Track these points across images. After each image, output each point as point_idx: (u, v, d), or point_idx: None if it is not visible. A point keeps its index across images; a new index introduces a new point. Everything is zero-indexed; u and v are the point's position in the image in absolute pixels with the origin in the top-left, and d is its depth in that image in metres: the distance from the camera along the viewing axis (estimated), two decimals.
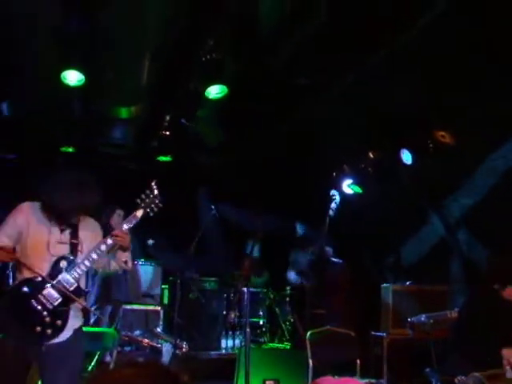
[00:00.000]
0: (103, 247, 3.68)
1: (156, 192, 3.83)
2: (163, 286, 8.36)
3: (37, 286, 3.54)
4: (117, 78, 6.57)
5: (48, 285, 3.55)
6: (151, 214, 3.82)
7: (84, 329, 3.90)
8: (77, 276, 3.62)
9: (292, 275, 7.81)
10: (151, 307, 7.37)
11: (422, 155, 6.67)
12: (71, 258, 3.66)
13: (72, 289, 3.60)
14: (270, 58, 6.02)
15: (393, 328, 6.53)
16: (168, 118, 7.68)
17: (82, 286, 3.73)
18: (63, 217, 3.70)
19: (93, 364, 5.74)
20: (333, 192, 7.02)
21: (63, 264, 3.62)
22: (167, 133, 7.94)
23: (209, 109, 7.30)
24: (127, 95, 7.14)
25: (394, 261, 7.93)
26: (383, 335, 6.52)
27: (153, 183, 3.87)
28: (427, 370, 4.98)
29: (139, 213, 3.78)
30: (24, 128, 7.99)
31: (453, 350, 4.31)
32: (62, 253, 3.66)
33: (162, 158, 8.97)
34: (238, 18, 5.34)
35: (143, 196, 3.80)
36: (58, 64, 5.90)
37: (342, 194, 7.38)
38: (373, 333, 6.74)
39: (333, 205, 6.91)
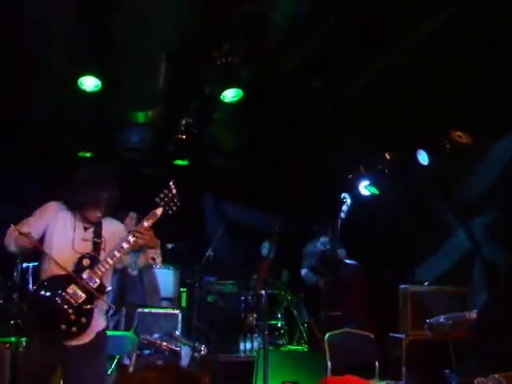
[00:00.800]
0: (125, 245, 3.75)
1: (174, 191, 3.90)
2: (181, 289, 8.39)
3: (61, 284, 3.60)
4: (133, 83, 6.61)
5: (72, 282, 3.61)
6: (170, 212, 3.89)
7: None
8: (100, 274, 3.68)
9: (306, 272, 7.80)
10: (169, 310, 7.38)
11: (438, 156, 6.64)
12: (94, 255, 3.73)
13: (95, 286, 3.66)
14: (282, 62, 6.04)
15: (411, 329, 6.48)
16: (184, 121, 7.71)
17: (106, 283, 3.78)
18: (80, 210, 3.77)
19: (112, 367, 5.77)
20: (344, 195, 6.99)
21: (86, 262, 3.70)
22: (183, 137, 7.97)
23: (224, 112, 7.32)
24: (144, 100, 7.17)
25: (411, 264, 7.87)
26: (402, 337, 6.47)
27: (171, 183, 3.93)
28: (446, 371, 4.93)
29: (159, 211, 3.85)
30: (41, 134, 8.07)
31: (471, 351, 4.27)
32: (85, 250, 3.74)
33: (179, 162, 9.01)
34: (252, 21, 5.36)
35: (162, 195, 3.88)
36: (75, 70, 5.97)
37: (358, 195, 7.35)
38: (391, 334, 6.70)
39: (344, 207, 6.90)
